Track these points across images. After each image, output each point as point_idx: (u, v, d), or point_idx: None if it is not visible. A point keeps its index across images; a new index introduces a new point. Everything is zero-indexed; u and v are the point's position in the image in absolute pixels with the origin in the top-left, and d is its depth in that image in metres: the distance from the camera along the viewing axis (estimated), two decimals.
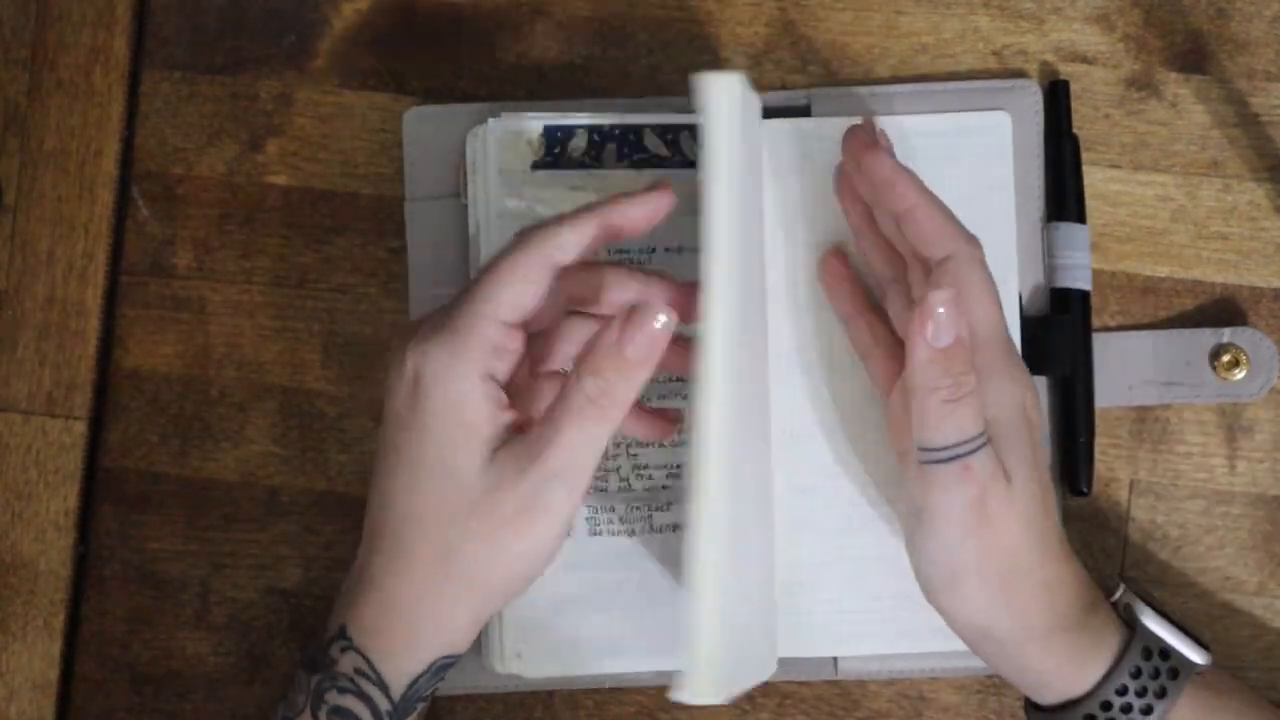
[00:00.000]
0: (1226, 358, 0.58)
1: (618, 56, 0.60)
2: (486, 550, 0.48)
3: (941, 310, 0.47)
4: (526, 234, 0.48)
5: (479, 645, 0.56)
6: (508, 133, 0.56)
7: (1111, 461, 0.58)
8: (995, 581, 0.48)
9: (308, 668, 0.49)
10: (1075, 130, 0.59)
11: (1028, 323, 0.57)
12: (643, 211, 0.49)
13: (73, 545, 0.59)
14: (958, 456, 0.47)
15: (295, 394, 0.60)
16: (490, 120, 0.56)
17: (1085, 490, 0.57)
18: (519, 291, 0.47)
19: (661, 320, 0.46)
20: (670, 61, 0.60)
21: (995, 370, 0.49)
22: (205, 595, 0.59)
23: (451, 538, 0.48)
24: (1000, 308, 0.50)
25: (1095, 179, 0.59)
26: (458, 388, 0.47)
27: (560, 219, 0.48)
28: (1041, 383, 0.58)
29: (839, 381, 0.56)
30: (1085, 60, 0.60)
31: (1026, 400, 0.49)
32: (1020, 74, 0.60)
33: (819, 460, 0.56)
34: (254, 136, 0.61)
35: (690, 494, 0.45)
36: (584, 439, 0.47)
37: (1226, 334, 0.58)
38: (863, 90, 0.59)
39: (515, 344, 0.48)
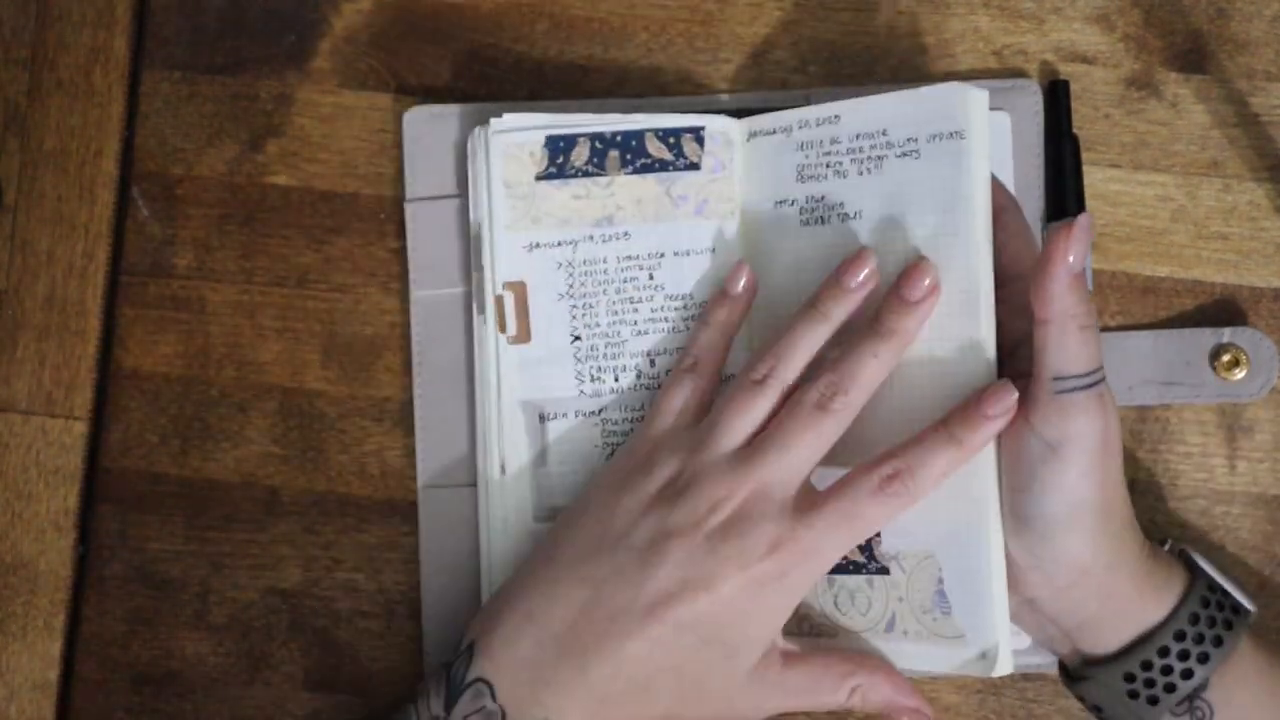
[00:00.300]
0: (1226, 358, 0.58)
1: (618, 56, 0.60)
2: None
3: (1081, 232, 0.48)
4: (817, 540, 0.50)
5: None
6: (510, 145, 0.56)
7: None
8: (1106, 512, 0.49)
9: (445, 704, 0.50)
10: (1075, 130, 0.59)
11: None
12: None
13: (73, 545, 0.59)
14: (1094, 384, 0.48)
15: (295, 394, 0.60)
16: (492, 120, 0.56)
17: None
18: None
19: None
20: (670, 61, 0.60)
21: None
22: (205, 595, 0.59)
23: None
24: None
25: (1095, 179, 0.59)
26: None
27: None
28: None
29: None
30: (1085, 60, 0.60)
31: None
32: (1020, 74, 0.60)
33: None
34: (254, 136, 0.61)
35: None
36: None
37: (1226, 334, 0.58)
38: (862, 90, 0.59)
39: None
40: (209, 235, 0.60)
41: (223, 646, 0.59)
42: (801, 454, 0.49)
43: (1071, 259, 0.48)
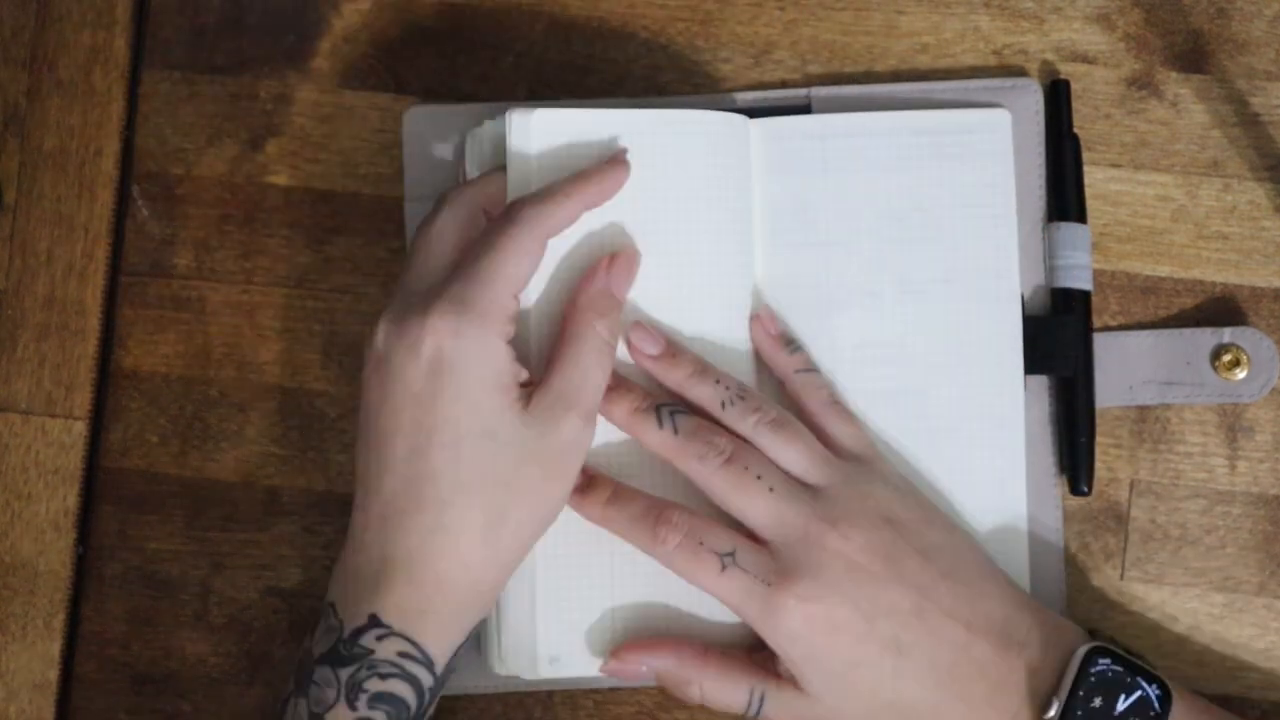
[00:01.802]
0: (1227, 358, 0.58)
1: (618, 56, 0.60)
2: (532, 506, 0.50)
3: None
4: (520, 212, 0.51)
5: (490, 652, 0.56)
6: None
7: (1111, 461, 0.58)
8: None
9: (331, 664, 0.49)
10: (1076, 130, 0.59)
11: (1028, 322, 0.57)
12: (612, 182, 0.53)
13: (73, 545, 0.59)
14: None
15: (295, 394, 0.60)
16: (490, 122, 0.56)
17: (1085, 490, 0.57)
18: (525, 264, 0.51)
19: (633, 251, 0.53)
20: (670, 61, 0.60)
21: None
22: (205, 595, 0.59)
23: (500, 503, 0.49)
24: None
25: (1096, 179, 0.59)
26: (491, 357, 0.49)
27: (547, 196, 0.51)
28: (1042, 382, 0.58)
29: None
30: (1085, 60, 0.60)
31: None
32: (1020, 74, 0.60)
33: None
34: (254, 136, 0.61)
35: None
36: (604, 378, 0.51)
37: (1227, 334, 0.58)
38: (863, 90, 0.59)
39: (516, 309, 0.51)
40: (209, 235, 0.60)
41: (223, 646, 0.59)
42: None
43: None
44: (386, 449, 0.50)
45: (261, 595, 0.59)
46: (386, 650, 0.49)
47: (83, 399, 0.60)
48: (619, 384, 0.53)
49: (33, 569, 0.59)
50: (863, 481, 0.52)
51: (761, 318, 0.55)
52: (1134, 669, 0.50)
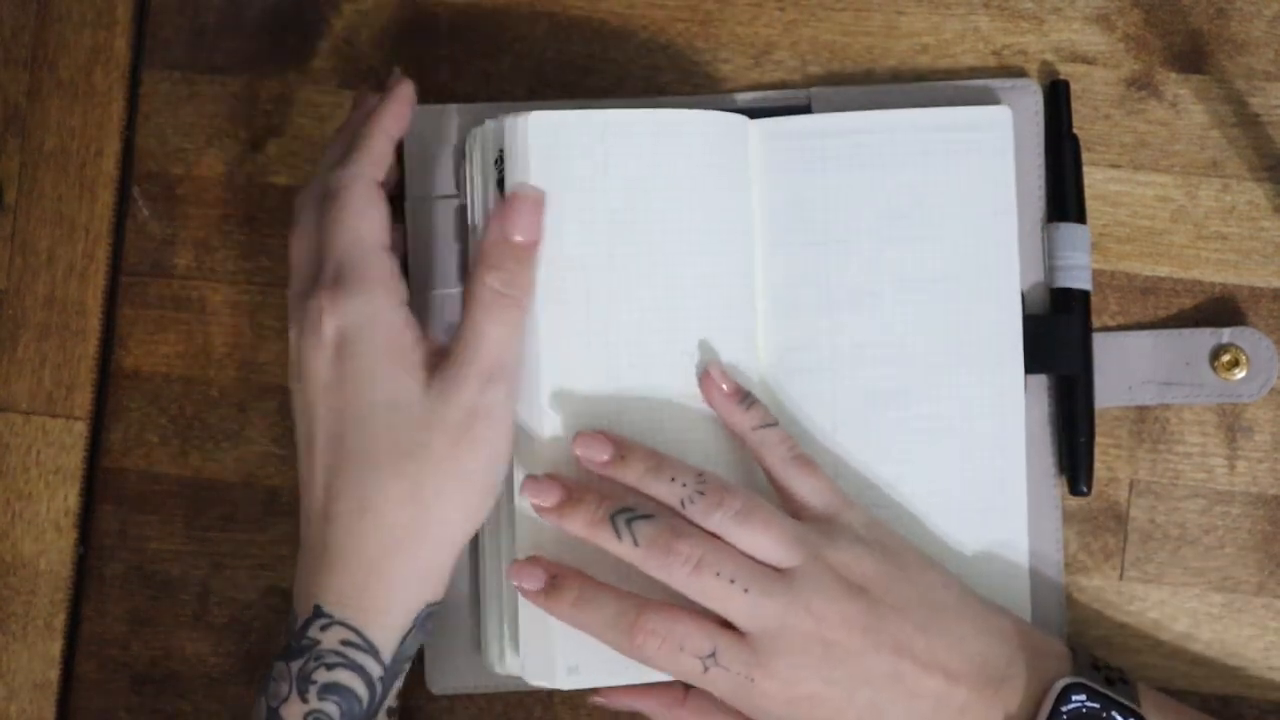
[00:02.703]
0: (1226, 358, 0.58)
1: (618, 56, 0.60)
2: (448, 474, 0.50)
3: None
4: (336, 180, 0.52)
5: (490, 652, 0.56)
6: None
7: (1111, 461, 0.58)
8: None
9: (284, 658, 0.50)
10: (1075, 130, 0.59)
11: (1028, 322, 0.57)
12: (405, 106, 0.54)
13: (73, 545, 0.59)
14: None
15: None
16: (491, 121, 0.56)
17: (1085, 490, 0.57)
18: (370, 219, 0.51)
19: (531, 191, 0.51)
20: (670, 61, 0.60)
21: None
22: (205, 595, 0.59)
23: (413, 473, 0.49)
24: None
25: (1095, 179, 0.59)
26: (386, 324, 0.50)
27: (359, 150, 0.52)
28: (1042, 382, 0.58)
29: (832, 381, 0.56)
30: (1085, 60, 0.60)
31: None
32: (1020, 74, 0.60)
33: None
34: (254, 136, 0.61)
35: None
36: (505, 332, 0.51)
37: (1226, 334, 0.58)
38: (863, 90, 0.59)
39: (395, 262, 0.52)
40: (209, 235, 0.60)
41: (223, 646, 0.59)
42: None
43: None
44: (314, 443, 0.51)
45: (261, 595, 0.59)
46: (330, 640, 0.49)
47: (83, 399, 0.60)
48: (571, 494, 0.51)
49: (33, 569, 0.59)
50: (831, 549, 0.51)
51: (712, 374, 0.53)
52: (1109, 703, 0.50)
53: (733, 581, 0.49)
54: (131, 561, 0.59)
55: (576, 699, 0.58)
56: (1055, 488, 0.58)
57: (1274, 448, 0.58)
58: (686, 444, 0.53)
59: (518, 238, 0.51)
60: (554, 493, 0.51)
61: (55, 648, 0.59)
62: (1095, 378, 0.57)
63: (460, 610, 0.57)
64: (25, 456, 0.59)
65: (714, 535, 0.50)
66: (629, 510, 0.50)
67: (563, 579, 0.50)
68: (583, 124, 0.53)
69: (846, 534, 0.52)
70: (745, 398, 0.53)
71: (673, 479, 0.51)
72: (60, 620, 0.59)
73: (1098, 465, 0.58)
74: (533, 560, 0.51)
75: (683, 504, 0.50)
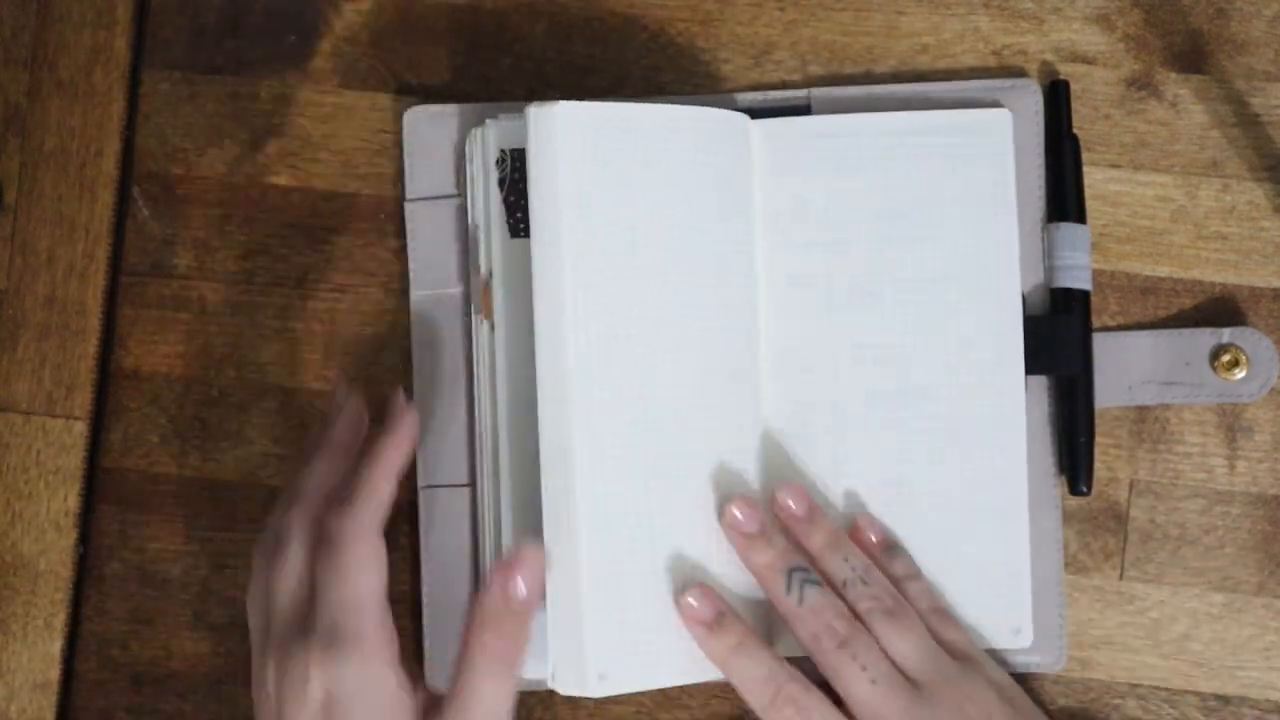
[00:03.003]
0: (1226, 358, 0.58)
1: (618, 56, 0.60)
2: None
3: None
4: (339, 528, 0.50)
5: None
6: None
7: (1111, 461, 0.58)
8: None
9: None
10: (1075, 130, 0.59)
11: (1028, 322, 0.57)
12: (410, 443, 0.53)
13: (73, 545, 0.59)
14: None
15: (295, 394, 0.60)
16: (491, 121, 0.56)
17: (1085, 490, 0.57)
18: (379, 571, 0.50)
19: (535, 550, 0.51)
20: (670, 61, 0.60)
21: None
22: (205, 595, 0.59)
23: None
24: None
25: (1095, 179, 0.59)
26: (378, 691, 0.49)
27: (358, 495, 0.51)
28: (1042, 382, 0.58)
29: (833, 381, 0.56)
30: (1085, 60, 0.60)
31: None
32: (1020, 74, 0.60)
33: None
34: (254, 136, 0.61)
35: None
36: (501, 690, 0.50)
37: (1226, 334, 0.58)
38: (862, 90, 0.59)
39: (389, 614, 0.51)
40: (209, 235, 0.60)
41: (223, 646, 0.59)
42: None
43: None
44: None
45: None
46: None
47: (83, 399, 0.60)
48: (763, 533, 0.53)
49: (33, 569, 0.59)
50: (966, 683, 0.53)
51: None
52: None
53: (864, 669, 0.51)
54: (131, 561, 0.59)
55: (576, 698, 0.58)
56: (1055, 488, 0.58)
57: (1274, 448, 0.58)
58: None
59: (521, 597, 0.50)
60: (757, 523, 0.53)
61: (55, 648, 0.59)
62: (1095, 378, 0.57)
63: (461, 611, 0.57)
64: (25, 456, 0.60)
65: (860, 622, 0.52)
66: (804, 570, 0.53)
67: (728, 619, 0.52)
68: (602, 114, 0.52)
69: (984, 678, 0.53)
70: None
71: (845, 559, 0.53)
72: (60, 620, 0.59)
73: (1098, 465, 0.58)
74: (709, 589, 0.52)
75: (844, 584, 0.53)
